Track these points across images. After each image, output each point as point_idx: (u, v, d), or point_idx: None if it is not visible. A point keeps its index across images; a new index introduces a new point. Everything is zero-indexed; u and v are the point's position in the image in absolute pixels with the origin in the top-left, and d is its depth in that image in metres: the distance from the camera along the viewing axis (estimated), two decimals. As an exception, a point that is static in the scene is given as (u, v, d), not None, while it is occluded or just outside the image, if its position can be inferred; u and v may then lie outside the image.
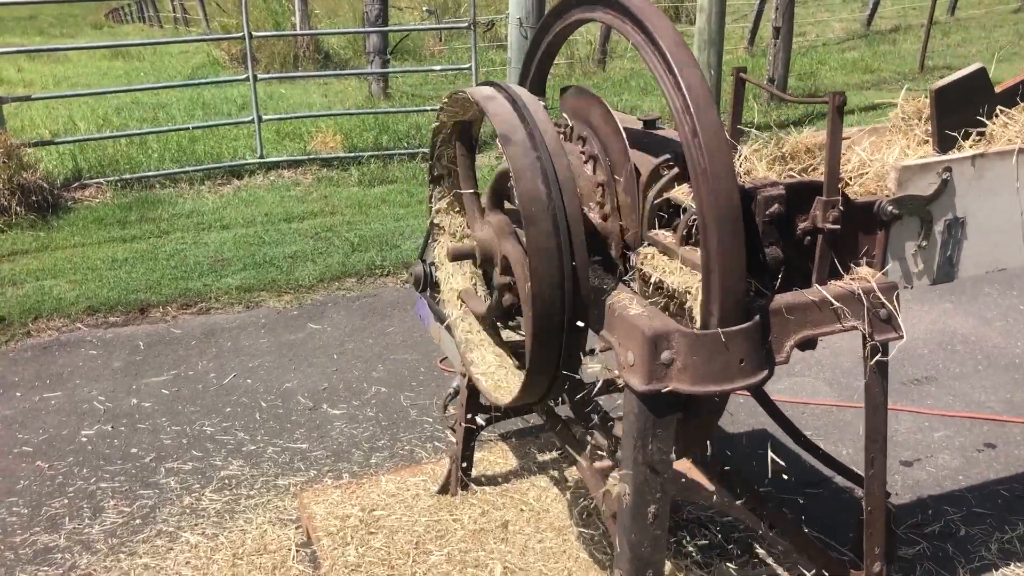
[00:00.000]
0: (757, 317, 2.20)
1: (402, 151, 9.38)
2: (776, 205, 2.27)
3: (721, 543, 3.34)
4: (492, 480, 3.73)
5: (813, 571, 2.97)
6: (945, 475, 3.99)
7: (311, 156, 9.20)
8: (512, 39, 8.99)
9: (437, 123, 2.71)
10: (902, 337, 2.38)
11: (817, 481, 3.91)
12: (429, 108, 10.56)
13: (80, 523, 3.78)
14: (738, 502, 3.22)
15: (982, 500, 3.80)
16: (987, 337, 5.27)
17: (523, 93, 2.39)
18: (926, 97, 2.66)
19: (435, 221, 3.06)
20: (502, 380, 3.00)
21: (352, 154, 9.27)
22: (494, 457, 3.91)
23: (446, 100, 2.56)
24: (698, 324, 2.21)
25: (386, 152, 9.31)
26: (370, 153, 9.25)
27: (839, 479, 3.92)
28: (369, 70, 11.55)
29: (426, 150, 9.45)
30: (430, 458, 4.17)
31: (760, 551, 3.33)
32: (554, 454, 3.90)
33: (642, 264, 2.50)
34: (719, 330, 2.12)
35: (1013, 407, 4.52)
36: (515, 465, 3.84)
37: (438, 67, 11.79)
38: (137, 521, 3.79)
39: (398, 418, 4.54)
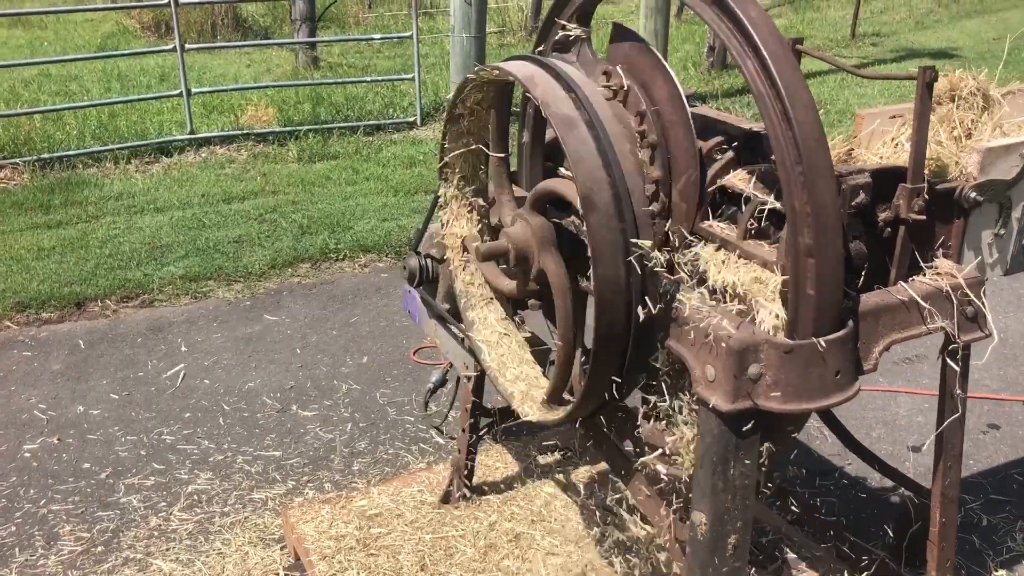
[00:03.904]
0: (851, 323, 1.96)
1: (342, 124, 8.90)
2: (862, 194, 2.03)
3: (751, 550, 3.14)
4: (494, 487, 3.46)
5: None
6: (955, 460, 3.86)
7: (245, 131, 8.66)
8: (455, 6, 8.60)
9: (473, 75, 2.35)
10: (991, 336, 2.18)
11: (828, 472, 3.76)
12: (369, 79, 10.09)
13: (32, 554, 3.38)
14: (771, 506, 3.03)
15: (998, 486, 3.68)
16: (968, 311, 5.19)
17: (608, 120, 2.00)
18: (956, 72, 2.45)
19: (446, 161, 2.70)
20: (510, 360, 2.71)
21: (288, 128, 8.76)
22: (492, 461, 3.63)
23: (496, 71, 2.18)
24: (772, 331, 1.96)
25: (325, 126, 8.83)
26: (308, 127, 8.76)
27: (849, 469, 3.79)
28: (300, 39, 10.96)
29: (369, 123, 9.05)
30: (418, 462, 3.87)
31: (791, 555, 3.14)
32: (556, 455, 3.64)
33: (698, 262, 2.25)
34: (816, 340, 1.88)
35: (1008, 383, 4.44)
36: (516, 469, 3.57)
37: (377, 36, 11.25)
38: (99, 548, 3.40)
39: (376, 418, 4.21)
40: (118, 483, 3.77)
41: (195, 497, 3.67)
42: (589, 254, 1.92)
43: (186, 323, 5.17)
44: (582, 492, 3.39)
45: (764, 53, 1.82)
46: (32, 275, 5.66)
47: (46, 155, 7.88)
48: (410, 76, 9.31)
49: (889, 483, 3.48)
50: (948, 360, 2.22)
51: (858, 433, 4.00)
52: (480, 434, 3.33)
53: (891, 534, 3.22)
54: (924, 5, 17.01)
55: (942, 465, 2.33)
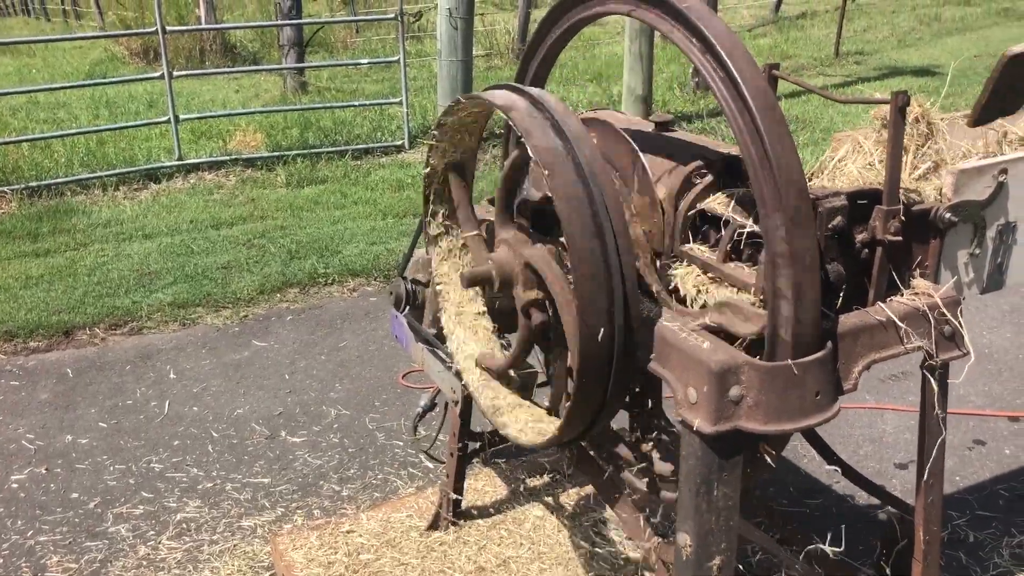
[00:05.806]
0: (830, 344, 1.98)
1: (330, 148, 8.94)
2: (839, 217, 2.06)
3: (738, 569, 3.15)
4: (483, 511, 3.46)
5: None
6: (942, 476, 3.88)
7: (233, 156, 8.69)
8: (441, 30, 8.66)
9: (466, 99, 2.36)
10: (968, 354, 2.20)
11: (816, 490, 3.77)
12: (357, 104, 10.14)
13: (20, 585, 3.37)
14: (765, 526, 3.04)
15: (984, 502, 3.70)
16: (953, 327, 5.22)
17: (603, 181, 2.00)
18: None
19: (432, 164, 2.71)
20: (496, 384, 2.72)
21: (276, 153, 8.80)
22: (481, 484, 3.63)
23: (496, 109, 2.19)
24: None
25: (313, 150, 8.87)
26: (296, 152, 8.79)
27: (837, 487, 3.80)
28: (289, 64, 11.01)
29: (357, 147, 9.09)
30: (407, 487, 3.87)
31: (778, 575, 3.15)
32: (545, 478, 3.65)
33: (679, 285, 2.28)
34: (795, 361, 1.90)
35: (993, 399, 4.47)
36: (504, 493, 3.57)
37: (364, 60, 11.29)
38: (87, 578, 3.39)
39: (365, 443, 4.21)
40: (106, 512, 3.76)
41: (184, 525, 3.66)
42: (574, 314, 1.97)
43: (175, 350, 5.17)
44: (571, 514, 3.41)
45: (751, 106, 1.86)
46: (20, 304, 5.66)
47: (34, 183, 7.90)
48: (398, 100, 9.37)
49: (876, 500, 3.50)
50: (927, 378, 2.24)
51: (845, 451, 4.03)
52: (469, 458, 3.34)
53: (878, 552, 3.23)
54: (906, 24, 17.21)
55: (924, 483, 2.34)
